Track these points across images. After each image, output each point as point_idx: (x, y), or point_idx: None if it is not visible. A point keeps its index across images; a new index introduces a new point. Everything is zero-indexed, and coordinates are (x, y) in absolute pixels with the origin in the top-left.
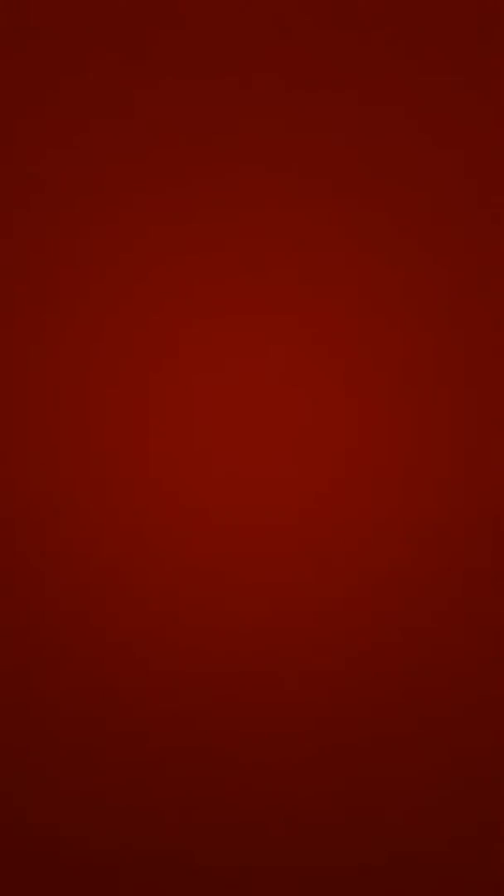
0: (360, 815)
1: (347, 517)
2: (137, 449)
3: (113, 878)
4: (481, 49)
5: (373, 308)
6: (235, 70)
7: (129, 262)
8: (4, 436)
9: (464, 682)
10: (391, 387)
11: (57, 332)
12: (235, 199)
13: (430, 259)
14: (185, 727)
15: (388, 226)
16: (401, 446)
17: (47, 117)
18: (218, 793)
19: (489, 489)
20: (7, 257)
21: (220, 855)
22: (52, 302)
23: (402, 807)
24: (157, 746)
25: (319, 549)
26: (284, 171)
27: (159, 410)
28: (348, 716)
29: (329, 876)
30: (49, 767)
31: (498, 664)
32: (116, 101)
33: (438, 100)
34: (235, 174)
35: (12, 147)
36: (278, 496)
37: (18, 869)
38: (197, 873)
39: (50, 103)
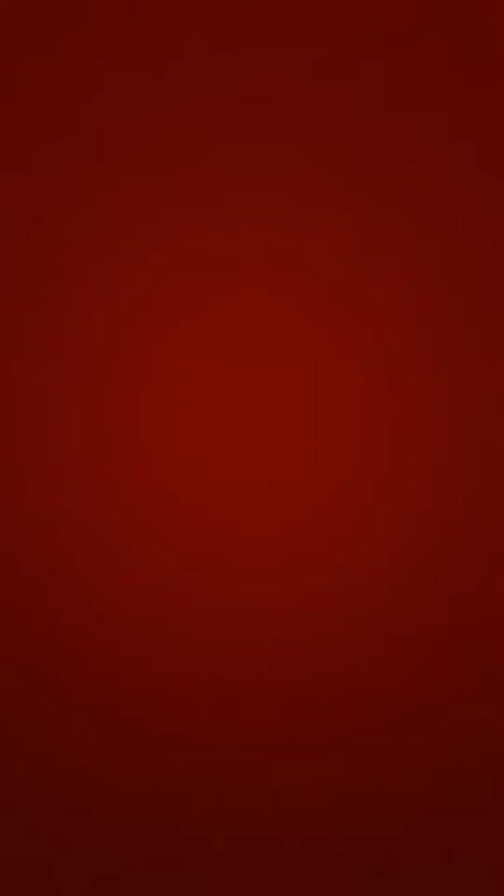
0: (357, 805)
1: (349, 513)
2: (139, 446)
3: (112, 871)
4: (482, 46)
5: (373, 304)
6: (238, 71)
7: (131, 263)
8: (9, 433)
9: (459, 670)
10: (392, 384)
11: (60, 334)
12: (238, 202)
13: (431, 259)
14: (184, 718)
15: (390, 228)
16: (402, 442)
17: (50, 121)
18: (217, 779)
19: (490, 487)
20: (12, 265)
21: (220, 844)
22: (56, 302)
23: (399, 794)
24: (157, 734)
25: (320, 547)
26: (288, 175)
27: (160, 406)
28: (344, 705)
29: (325, 866)
30: (51, 755)
31: (497, 657)
32: (121, 108)
33: (439, 97)
34: (241, 181)
35: (16, 152)
36: (278, 493)
37: (19, 859)
38: (197, 867)
39: (52, 110)
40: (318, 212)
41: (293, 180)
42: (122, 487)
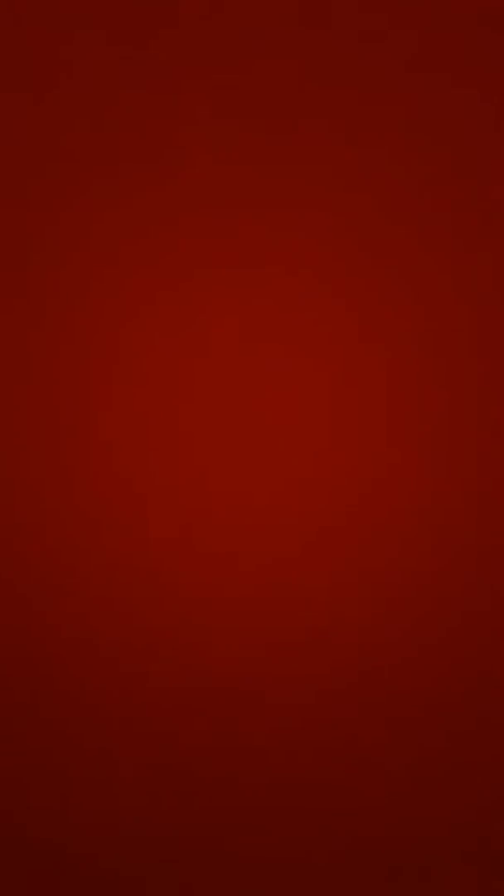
0: (359, 815)
1: (348, 519)
2: (137, 450)
3: (111, 876)
4: (482, 52)
5: (373, 307)
6: (236, 68)
7: (127, 262)
8: (4, 438)
9: (469, 685)
10: (392, 385)
11: (55, 330)
12: (234, 199)
13: (430, 251)
14: (184, 736)
15: (387, 221)
16: (402, 444)
17: (45, 114)
18: (216, 795)
19: (495, 492)
20: (15, 266)
21: (219, 854)
22: (49, 298)
23: (402, 807)
24: (156, 748)
25: (321, 551)
26: (283, 165)
27: (159, 410)
28: (351, 723)
29: (327, 875)
30: (48, 766)
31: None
32: (114, 100)
33: (438, 100)
34: (234, 171)
35: (11, 143)
36: (278, 496)
37: (17, 870)
38: (195, 872)
39: (46, 99)
40: (323, 212)
41: (299, 180)
42: (127, 491)
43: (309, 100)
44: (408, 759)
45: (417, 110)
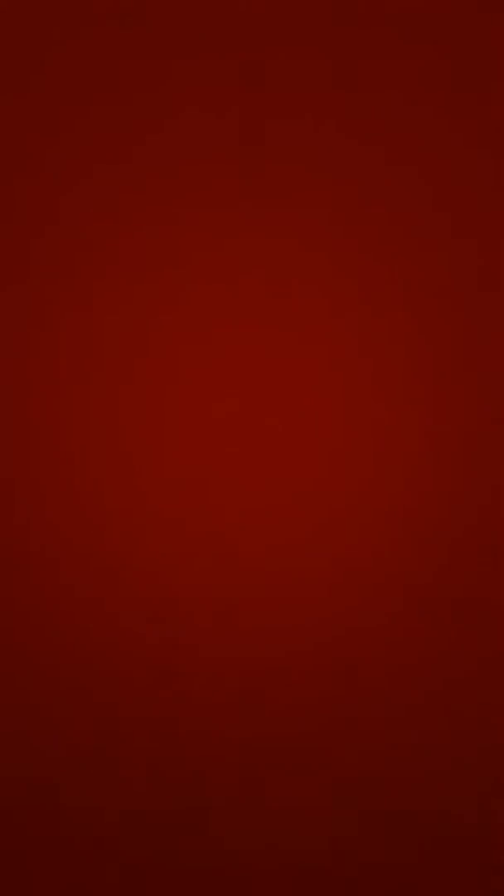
0: (359, 803)
1: (348, 518)
2: (139, 447)
3: (111, 868)
4: (477, 61)
5: (374, 312)
6: (236, 89)
7: (131, 268)
8: (8, 437)
9: (460, 666)
10: (393, 387)
11: (59, 336)
12: (237, 212)
13: (430, 262)
14: (183, 722)
15: (388, 231)
16: (402, 448)
17: (55, 127)
18: (217, 782)
19: (493, 492)
20: (15, 271)
21: (218, 840)
22: (54, 305)
23: (400, 794)
24: (155, 736)
25: (321, 550)
26: (287, 175)
27: (161, 410)
28: (344, 712)
29: (326, 865)
30: (47, 757)
31: (498, 653)
32: (124, 113)
33: (442, 103)
34: (240, 184)
35: (22, 161)
36: (278, 496)
37: (18, 860)
38: (195, 862)
39: (57, 115)
40: (318, 219)
41: (293, 186)
42: (126, 490)
43: (309, 95)
44: (408, 745)
45: (418, 104)
